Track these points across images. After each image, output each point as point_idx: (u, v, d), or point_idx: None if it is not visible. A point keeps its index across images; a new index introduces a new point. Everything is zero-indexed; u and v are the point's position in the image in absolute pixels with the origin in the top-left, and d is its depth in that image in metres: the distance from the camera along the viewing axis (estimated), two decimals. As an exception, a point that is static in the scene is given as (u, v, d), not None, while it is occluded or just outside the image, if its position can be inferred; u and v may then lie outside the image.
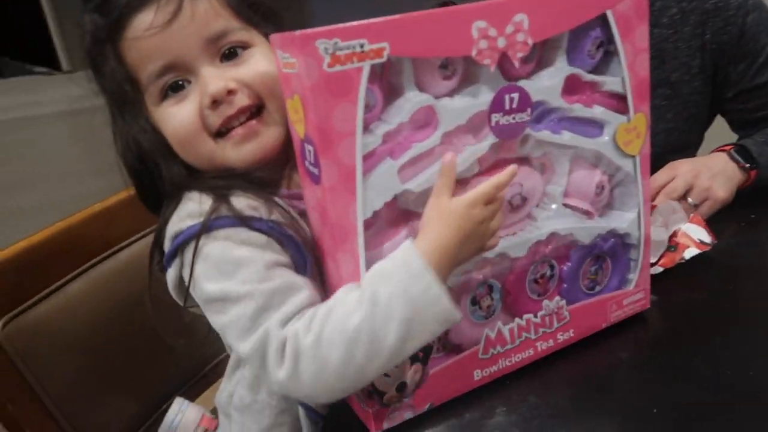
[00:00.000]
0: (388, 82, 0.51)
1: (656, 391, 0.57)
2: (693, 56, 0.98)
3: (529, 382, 0.60)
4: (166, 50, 0.56)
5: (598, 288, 0.66)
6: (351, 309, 0.48)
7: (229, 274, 0.53)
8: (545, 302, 0.61)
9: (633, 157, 0.62)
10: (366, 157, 0.49)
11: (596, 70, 0.59)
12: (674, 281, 0.72)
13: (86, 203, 0.83)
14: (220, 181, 0.58)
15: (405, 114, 0.51)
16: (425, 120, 0.52)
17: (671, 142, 1.03)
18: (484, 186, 0.52)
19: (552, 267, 0.62)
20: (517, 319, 0.60)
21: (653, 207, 0.79)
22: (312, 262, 0.57)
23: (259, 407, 0.66)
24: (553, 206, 0.61)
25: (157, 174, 0.60)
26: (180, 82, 0.58)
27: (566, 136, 0.58)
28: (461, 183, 0.55)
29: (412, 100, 0.51)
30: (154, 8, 0.55)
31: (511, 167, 0.53)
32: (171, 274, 0.59)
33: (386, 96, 0.51)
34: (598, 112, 0.59)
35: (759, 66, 0.96)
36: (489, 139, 0.54)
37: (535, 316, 0.61)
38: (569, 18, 0.55)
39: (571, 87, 0.58)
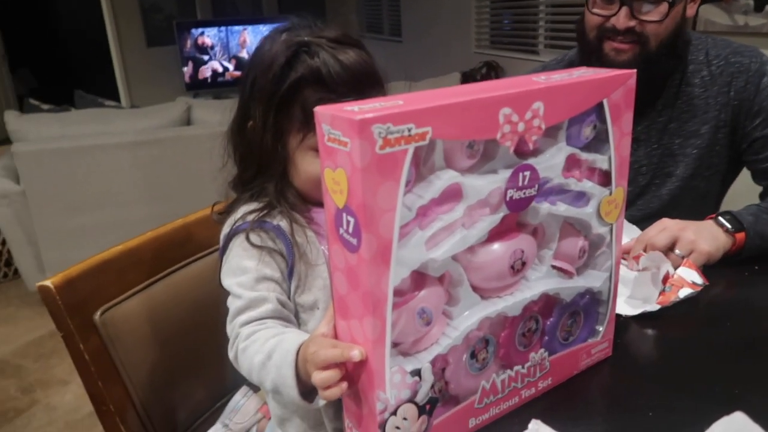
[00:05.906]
0: (421, 158, 0.54)
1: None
2: (720, 111, 1.15)
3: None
4: None
5: (571, 338, 0.73)
6: (259, 351, 0.67)
7: (236, 276, 0.74)
8: (531, 354, 0.67)
9: (611, 224, 0.70)
10: (400, 229, 0.53)
11: (586, 148, 0.66)
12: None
13: (142, 227, 0.97)
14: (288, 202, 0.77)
15: (436, 190, 0.54)
16: (451, 194, 0.56)
17: (693, 187, 1.19)
18: (331, 352, 0.57)
19: (537, 321, 0.68)
20: (507, 371, 0.66)
21: (639, 256, 0.88)
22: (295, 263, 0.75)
23: None
24: (544, 268, 0.67)
25: (258, 175, 0.77)
26: None
27: (562, 208, 0.65)
28: (470, 249, 0.60)
29: (443, 178, 0.55)
30: None
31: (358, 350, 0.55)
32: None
33: (418, 170, 0.54)
34: (587, 186, 0.66)
35: None
36: (502, 212, 0.59)
37: (523, 367, 0.67)
38: (576, 106, 0.61)
39: (569, 164, 0.64)
